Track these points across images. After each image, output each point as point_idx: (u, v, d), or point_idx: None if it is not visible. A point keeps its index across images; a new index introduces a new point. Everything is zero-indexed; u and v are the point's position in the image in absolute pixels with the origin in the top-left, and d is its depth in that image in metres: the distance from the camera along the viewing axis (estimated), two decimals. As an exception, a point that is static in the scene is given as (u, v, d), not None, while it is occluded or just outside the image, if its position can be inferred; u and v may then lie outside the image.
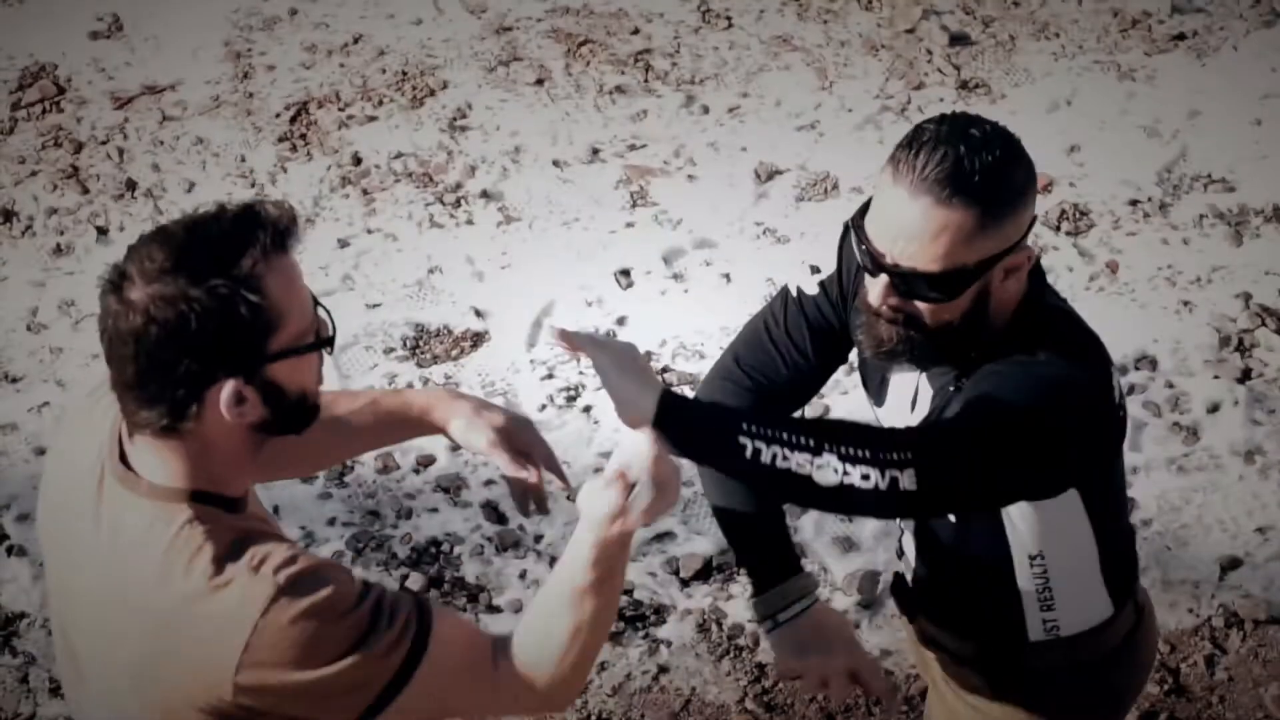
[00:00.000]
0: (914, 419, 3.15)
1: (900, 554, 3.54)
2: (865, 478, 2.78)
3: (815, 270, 3.28)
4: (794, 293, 3.28)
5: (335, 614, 2.55)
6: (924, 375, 3.12)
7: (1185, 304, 5.81)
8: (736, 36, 6.93)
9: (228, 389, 2.53)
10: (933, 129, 2.85)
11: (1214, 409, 5.47)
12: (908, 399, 3.18)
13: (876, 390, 3.27)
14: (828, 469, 2.78)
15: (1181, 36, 6.86)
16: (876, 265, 2.91)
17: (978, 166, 2.81)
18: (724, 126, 6.58)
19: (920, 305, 2.94)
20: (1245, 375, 5.57)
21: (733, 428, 2.78)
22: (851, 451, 2.79)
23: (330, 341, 2.66)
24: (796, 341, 3.26)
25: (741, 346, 3.34)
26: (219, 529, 2.59)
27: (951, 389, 3.05)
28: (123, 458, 2.65)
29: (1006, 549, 3.19)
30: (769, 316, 3.31)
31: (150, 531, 2.59)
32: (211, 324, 2.49)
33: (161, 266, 2.49)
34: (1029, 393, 2.89)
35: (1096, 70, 6.73)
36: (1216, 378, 5.56)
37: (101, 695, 2.74)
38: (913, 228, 2.84)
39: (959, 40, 6.85)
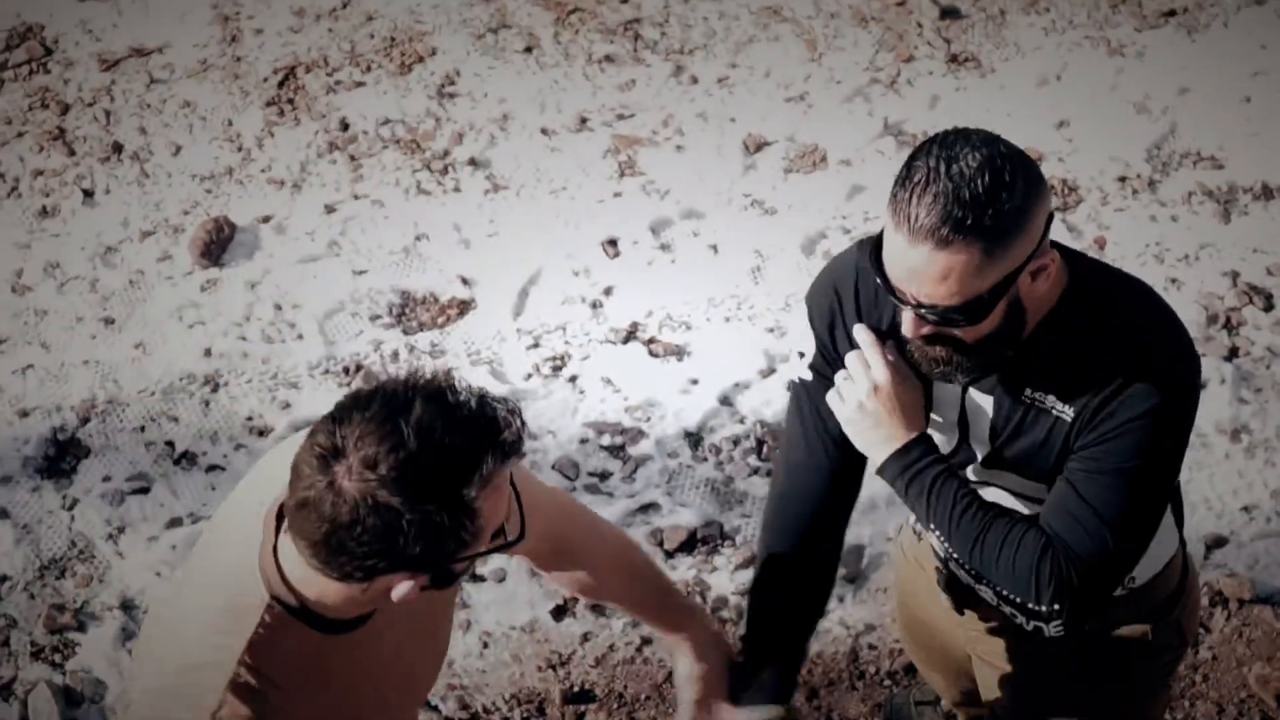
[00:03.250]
0: (972, 434, 3.16)
1: (920, 535, 3.59)
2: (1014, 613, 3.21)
3: (801, 355, 3.25)
4: (799, 383, 3.27)
5: None
6: (972, 387, 3.10)
7: (1173, 281, 5.81)
8: (726, 6, 6.91)
9: (404, 585, 2.55)
10: (923, 166, 2.76)
11: (1201, 387, 5.46)
12: (954, 414, 3.16)
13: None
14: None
15: (1172, 13, 6.83)
16: (900, 300, 2.87)
17: (969, 204, 2.73)
18: (713, 97, 6.55)
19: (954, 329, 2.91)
20: (1232, 353, 5.57)
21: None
22: (1003, 592, 3.11)
23: (510, 544, 2.62)
24: (829, 427, 3.24)
25: (783, 455, 3.37)
26: (274, 649, 2.63)
27: (1027, 402, 3.04)
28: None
29: None
30: (797, 414, 3.29)
31: (233, 602, 2.65)
32: (418, 543, 2.46)
33: (384, 473, 2.42)
34: (1169, 408, 3.07)
35: (1086, 45, 6.71)
36: (1204, 355, 5.54)
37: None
38: (919, 271, 2.79)
39: (949, 13, 6.83)
